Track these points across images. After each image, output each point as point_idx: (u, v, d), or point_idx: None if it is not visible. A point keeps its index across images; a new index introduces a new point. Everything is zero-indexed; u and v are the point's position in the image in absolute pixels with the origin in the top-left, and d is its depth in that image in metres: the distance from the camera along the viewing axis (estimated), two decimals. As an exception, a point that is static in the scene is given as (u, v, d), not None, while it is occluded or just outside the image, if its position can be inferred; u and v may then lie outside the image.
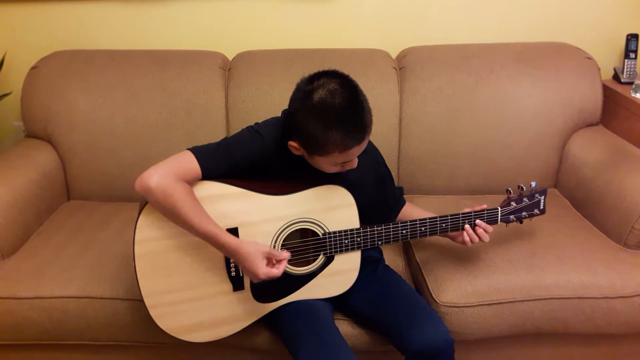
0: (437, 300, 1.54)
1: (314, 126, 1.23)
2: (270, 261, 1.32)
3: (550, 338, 1.67)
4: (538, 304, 1.54)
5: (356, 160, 1.34)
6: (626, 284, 1.55)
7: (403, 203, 1.64)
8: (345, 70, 1.29)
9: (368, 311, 1.48)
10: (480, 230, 1.47)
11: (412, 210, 1.64)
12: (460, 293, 1.54)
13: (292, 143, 1.31)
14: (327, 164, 1.31)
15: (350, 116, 1.23)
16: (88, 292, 1.55)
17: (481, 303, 1.53)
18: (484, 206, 1.50)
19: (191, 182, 1.31)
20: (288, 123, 1.32)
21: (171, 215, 1.28)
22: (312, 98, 1.22)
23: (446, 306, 1.53)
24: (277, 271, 1.30)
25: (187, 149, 1.34)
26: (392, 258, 1.71)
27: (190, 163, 1.31)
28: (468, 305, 1.53)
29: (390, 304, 1.45)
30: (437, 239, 1.66)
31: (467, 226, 1.48)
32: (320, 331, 1.36)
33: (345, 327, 1.51)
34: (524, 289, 1.55)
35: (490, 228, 1.48)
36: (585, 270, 1.58)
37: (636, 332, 1.62)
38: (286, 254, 1.34)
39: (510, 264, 1.60)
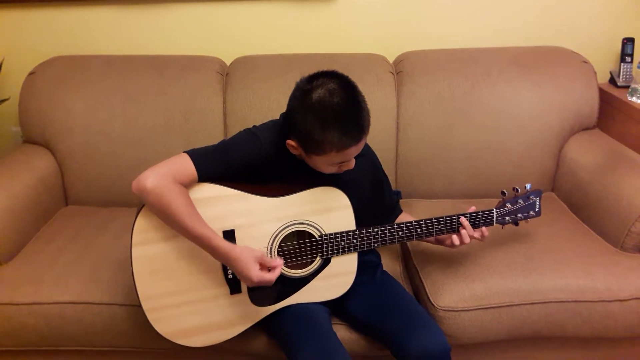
0: (435, 305, 1.54)
1: (311, 124, 1.23)
2: (264, 267, 1.31)
3: (548, 342, 1.67)
4: (535, 308, 1.55)
5: (353, 161, 1.34)
6: (623, 288, 1.55)
7: (400, 211, 1.64)
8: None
9: (365, 317, 1.48)
10: (463, 232, 1.47)
11: (406, 219, 1.63)
12: (457, 297, 1.54)
13: (290, 142, 1.31)
14: (324, 163, 1.31)
15: (348, 115, 1.23)
16: (86, 298, 1.55)
17: (479, 307, 1.53)
18: (473, 208, 1.51)
19: (187, 185, 1.32)
20: (287, 122, 1.32)
21: (165, 216, 1.28)
22: (311, 97, 1.23)
23: (444, 310, 1.53)
24: (271, 276, 1.29)
25: (184, 152, 1.34)
26: (390, 262, 1.71)
27: (186, 166, 1.31)
28: (466, 309, 1.53)
29: (387, 311, 1.45)
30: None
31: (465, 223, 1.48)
32: (317, 336, 1.36)
33: (342, 332, 1.51)
34: (522, 292, 1.55)
35: (472, 231, 1.47)
36: (582, 274, 1.58)
37: (633, 335, 1.62)
38: (280, 261, 1.33)
39: (507, 268, 1.60)
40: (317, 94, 1.23)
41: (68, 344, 1.58)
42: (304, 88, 1.26)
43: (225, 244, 1.29)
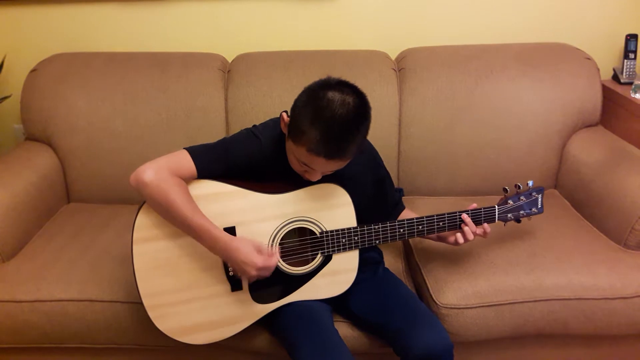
0: (437, 302, 1.54)
1: (306, 111, 1.23)
2: (262, 254, 1.31)
3: (550, 339, 1.67)
4: (538, 305, 1.54)
5: (318, 176, 1.33)
6: (626, 285, 1.55)
7: (402, 207, 1.64)
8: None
9: (367, 315, 1.47)
10: (466, 228, 1.46)
11: (409, 215, 1.62)
12: (460, 294, 1.54)
13: (284, 114, 1.31)
14: (293, 154, 1.30)
15: (338, 132, 1.21)
16: (88, 295, 1.54)
17: (481, 304, 1.53)
18: (474, 205, 1.50)
19: (186, 181, 1.32)
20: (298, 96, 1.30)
21: (163, 209, 1.28)
22: (326, 92, 1.22)
23: (446, 308, 1.53)
24: (273, 260, 1.29)
25: (184, 148, 1.34)
26: (392, 260, 1.71)
27: (185, 162, 1.31)
28: (468, 306, 1.53)
29: (389, 309, 1.44)
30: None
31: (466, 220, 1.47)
32: (319, 333, 1.36)
33: (344, 329, 1.50)
34: (524, 290, 1.54)
35: (474, 228, 1.47)
36: (586, 271, 1.57)
37: (636, 333, 1.61)
38: (277, 248, 1.36)
39: (510, 265, 1.60)
40: (333, 94, 1.22)
41: (70, 341, 1.58)
42: (329, 82, 1.25)
43: (225, 235, 1.29)
